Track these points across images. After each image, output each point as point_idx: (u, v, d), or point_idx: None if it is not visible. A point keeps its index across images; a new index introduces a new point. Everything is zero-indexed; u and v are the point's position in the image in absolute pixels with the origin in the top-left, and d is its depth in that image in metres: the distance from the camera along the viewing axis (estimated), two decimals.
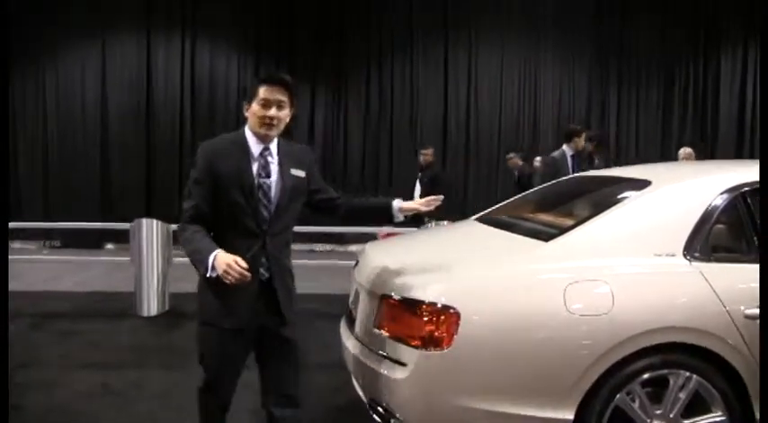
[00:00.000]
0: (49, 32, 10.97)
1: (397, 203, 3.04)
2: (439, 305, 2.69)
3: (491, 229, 3.61)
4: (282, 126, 2.74)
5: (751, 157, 11.90)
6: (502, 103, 11.90)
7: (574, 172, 7.01)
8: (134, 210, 10.15)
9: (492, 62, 11.87)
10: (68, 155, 11.15)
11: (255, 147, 2.73)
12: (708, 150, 11.65)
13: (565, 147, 7.31)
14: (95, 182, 11.23)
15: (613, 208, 3.06)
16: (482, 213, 4.19)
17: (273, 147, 2.77)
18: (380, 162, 11.73)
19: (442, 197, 3.05)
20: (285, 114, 2.73)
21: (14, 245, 10.88)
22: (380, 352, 2.91)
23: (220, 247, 2.56)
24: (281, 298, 2.75)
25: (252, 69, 11.37)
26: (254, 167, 2.69)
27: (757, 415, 2.70)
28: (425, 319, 2.71)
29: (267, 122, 2.67)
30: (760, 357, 2.62)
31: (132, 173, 11.16)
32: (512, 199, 4.35)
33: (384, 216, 3.10)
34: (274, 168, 2.73)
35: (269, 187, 2.70)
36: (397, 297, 2.84)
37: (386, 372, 2.82)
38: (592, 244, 2.91)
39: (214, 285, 2.59)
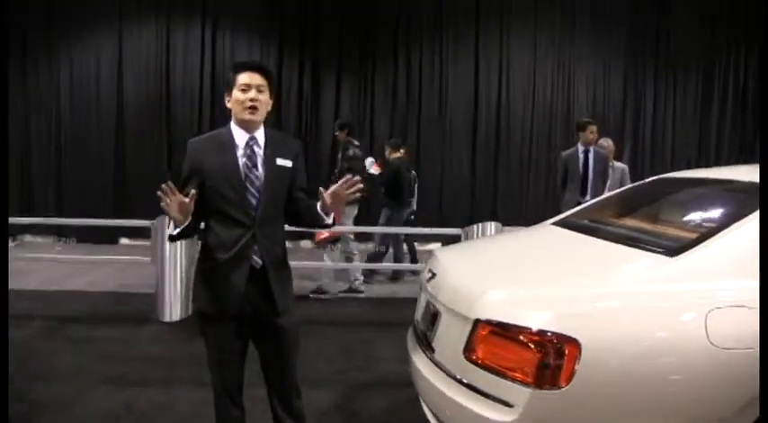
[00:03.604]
0: (62, 20, 10.50)
1: (318, 204, 2.77)
2: (554, 334, 2.21)
3: (586, 237, 3.09)
4: (265, 111, 2.75)
5: None
6: (534, 96, 11.34)
7: (587, 167, 7.06)
8: (151, 205, 9.67)
9: (524, 53, 11.31)
10: (82, 148, 10.66)
11: (241, 138, 2.72)
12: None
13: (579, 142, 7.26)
14: (110, 176, 10.73)
15: (747, 218, 2.53)
16: (561, 217, 3.70)
17: (260, 136, 2.76)
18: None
19: (358, 178, 2.71)
20: (266, 99, 2.74)
21: (24, 238, 10.47)
22: (474, 386, 2.41)
23: (214, 237, 2.67)
24: (273, 287, 2.73)
25: (275, 58, 10.80)
26: (241, 160, 2.69)
27: None
28: (538, 350, 2.23)
29: (249, 106, 2.68)
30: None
31: (149, 167, 10.57)
32: (594, 201, 3.85)
33: (319, 220, 2.82)
34: (260, 159, 2.72)
35: (256, 177, 2.69)
36: (498, 322, 2.35)
37: (483, 412, 2.34)
38: (729, 261, 2.40)
39: (206, 273, 2.72)
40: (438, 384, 2.62)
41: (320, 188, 2.72)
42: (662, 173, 11.19)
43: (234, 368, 2.83)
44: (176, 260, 6.07)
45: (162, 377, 4.45)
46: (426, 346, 2.89)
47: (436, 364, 2.71)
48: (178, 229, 2.60)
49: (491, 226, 6.15)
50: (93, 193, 10.52)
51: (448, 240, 10.58)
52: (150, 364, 4.74)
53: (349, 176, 2.70)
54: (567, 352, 2.19)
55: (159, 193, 2.44)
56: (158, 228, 6.04)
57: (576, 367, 2.18)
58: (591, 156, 7.02)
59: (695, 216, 3.12)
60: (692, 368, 2.21)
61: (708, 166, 9.74)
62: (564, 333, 2.21)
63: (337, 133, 7.73)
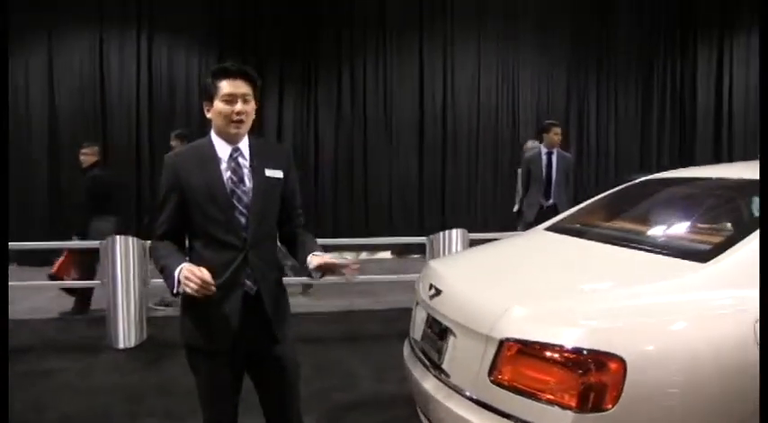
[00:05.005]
0: None
1: (311, 260, 2.47)
2: (593, 351, 2.05)
3: (593, 243, 2.95)
4: (251, 122, 2.49)
5: (729, 151, 11.83)
6: (479, 102, 11.39)
7: (550, 169, 7.08)
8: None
9: (468, 60, 11.33)
10: (12, 164, 9.99)
11: (224, 150, 2.46)
12: None
13: (542, 143, 7.30)
14: (44, 194, 10.13)
15: None
16: (554, 221, 3.57)
17: (244, 146, 2.50)
18: (354, 162, 11.01)
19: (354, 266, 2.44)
20: (252, 108, 2.48)
21: None
22: (503, 411, 2.23)
23: (200, 262, 2.30)
24: (270, 314, 2.48)
25: None
26: (225, 174, 2.43)
27: None
28: (576, 370, 2.06)
29: (236, 119, 2.41)
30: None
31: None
32: (583, 204, 3.72)
33: (306, 270, 2.53)
34: (246, 171, 2.46)
35: (243, 193, 2.43)
36: (527, 341, 2.17)
37: None
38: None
39: (194, 304, 2.34)
40: (457, 410, 2.42)
41: (308, 258, 2.45)
42: (607, 177, 11.20)
43: (228, 405, 2.55)
44: (129, 282, 5.71)
45: (128, 411, 4.12)
46: (434, 367, 2.70)
47: (452, 387, 2.52)
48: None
49: (457, 233, 6.01)
50: (24, 213, 9.86)
51: (402, 249, 10.51)
52: (112, 396, 4.39)
53: (351, 262, 2.42)
54: (611, 370, 2.04)
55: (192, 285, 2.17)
56: (109, 248, 5.67)
57: (623, 387, 2.03)
58: (554, 158, 6.99)
59: (702, 217, 3.02)
60: (742, 378, 2.08)
61: (651, 168, 9.94)
62: (605, 350, 2.05)
63: (173, 143, 6.73)
